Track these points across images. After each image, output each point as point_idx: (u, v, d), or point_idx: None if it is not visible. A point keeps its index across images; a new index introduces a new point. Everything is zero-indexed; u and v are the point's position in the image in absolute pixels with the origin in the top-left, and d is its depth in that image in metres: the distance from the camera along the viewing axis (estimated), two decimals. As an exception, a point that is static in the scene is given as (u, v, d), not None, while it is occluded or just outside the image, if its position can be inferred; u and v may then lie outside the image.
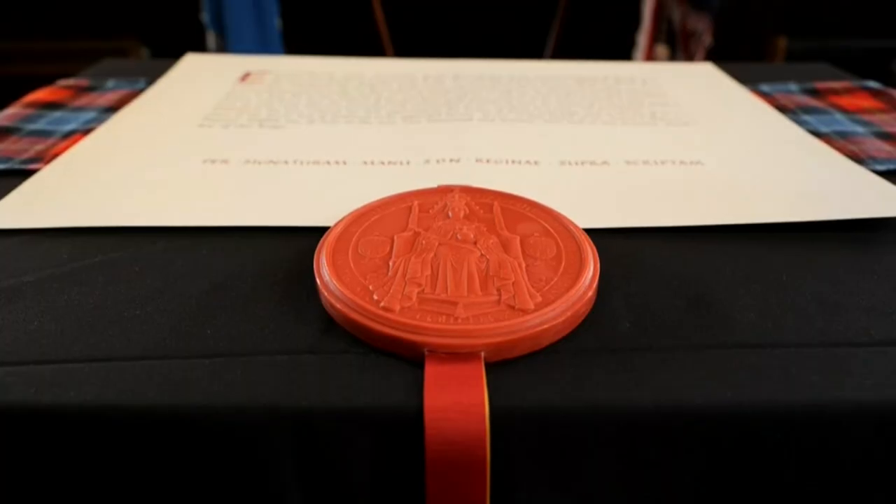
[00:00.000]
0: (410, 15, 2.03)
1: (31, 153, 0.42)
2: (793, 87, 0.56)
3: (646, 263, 0.29)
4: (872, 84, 0.57)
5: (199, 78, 0.56)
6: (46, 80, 0.57)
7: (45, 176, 0.37)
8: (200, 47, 1.62)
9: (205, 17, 1.50)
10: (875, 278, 0.28)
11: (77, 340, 0.24)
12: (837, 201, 0.34)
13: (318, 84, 0.54)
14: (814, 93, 0.55)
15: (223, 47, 1.50)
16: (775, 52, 2.34)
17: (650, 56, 1.61)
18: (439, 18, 2.12)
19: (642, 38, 1.62)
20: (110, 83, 0.56)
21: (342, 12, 2.03)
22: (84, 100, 0.52)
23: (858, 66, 2.33)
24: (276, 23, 1.51)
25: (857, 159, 0.41)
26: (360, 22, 1.85)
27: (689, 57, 1.60)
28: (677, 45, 1.64)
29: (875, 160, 0.41)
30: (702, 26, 1.59)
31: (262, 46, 1.46)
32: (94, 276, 0.28)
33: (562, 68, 0.59)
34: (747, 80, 0.57)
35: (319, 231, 0.29)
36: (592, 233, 0.29)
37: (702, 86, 0.55)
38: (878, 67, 2.35)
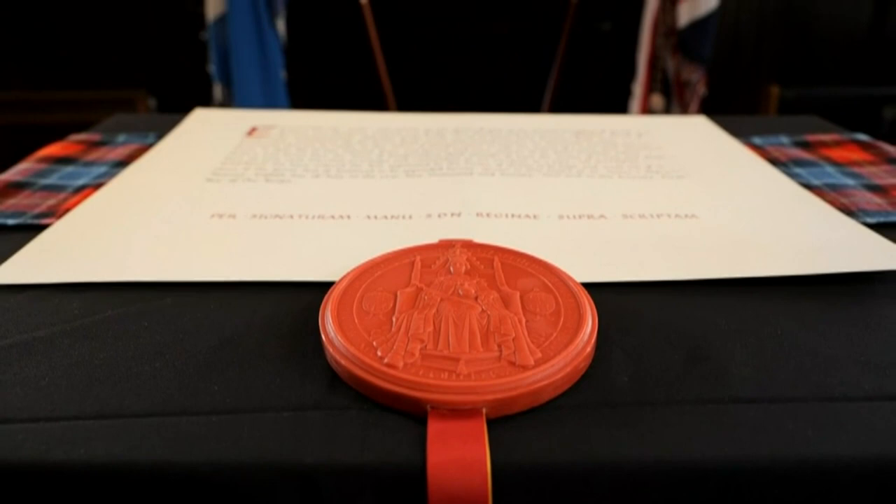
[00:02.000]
0: (412, 66, 2.09)
1: (43, 207, 0.43)
2: (784, 139, 0.58)
3: (643, 317, 0.30)
4: (861, 136, 0.58)
5: (207, 132, 0.58)
6: (58, 129, 0.58)
7: (56, 231, 0.38)
8: (207, 98, 1.66)
9: (212, 68, 1.55)
10: (868, 331, 0.29)
11: (87, 396, 0.24)
12: (830, 255, 0.35)
13: (323, 138, 0.55)
14: (805, 145, 0.56)
15: (229, 98, 1.53)
16: (769, 100, 2.39)
17: (646, 105, 1.65)
18: (440, 70, 2.18)
19: (638, 88, 1.66)
20: (121, 137, 0.57)
21: (346, 64, 2.09)
22: (95, 154, 0.54)
23: (850, 112, 2.37)
24: (282, 74, 1.56)
25: (849, 212, 0.42)
26: (363, 74, 1.89)
27: (685, 106, 1.64)
28: (672, 95, 1.68)
29: (866, 212, 0.42)
30: (696, 77, 1.64)
31: (267, 98, 1.49)
32: (104, 331, 0.29)
33: (559, 122, 0.61)
34: (740, 132, 0.59)
35: (324, 286, 0.30)
36: (591, 287, 0.30)
37: (696, 139, 0.57)
38: (869, 114, 2.41)
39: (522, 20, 2.15)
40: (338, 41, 2.05)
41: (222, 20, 1.50)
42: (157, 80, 2.32)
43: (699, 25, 1.61)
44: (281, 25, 1.54)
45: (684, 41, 1.62)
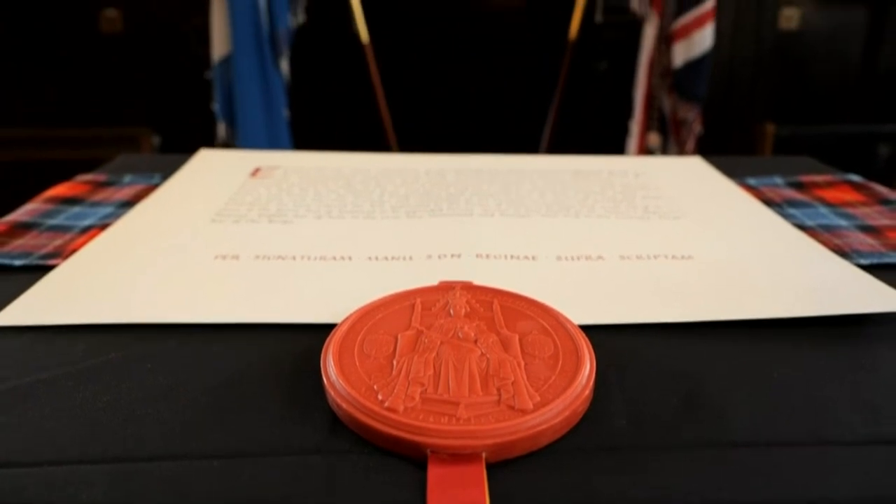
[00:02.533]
0: (413, 104, 2.12)
1: (49, 248, 0.43)
2: (778, 180, 0.59)
3: (640, 360, 0.30)
4: (853, 177, 0.59)
5: (211, 173, 0.59)
6: (63, 166, 0.59)
7: (61, 273, 0.39)
8: (210, 136, 1.68)
9: (216, 107, 1.57)
10: (862, 374, 0.29)
11: (91, 440, 0.25)
12: (825, 297, 0.35)
13: (326, 178, 0.57)
14: (799, 186, 0.57)
15: (233, 137, 1.56)
16: (764, 137, 2.42)
17: (643, 143, 1.67)
18: (441, 108, 2.21)
19: (635, 127, 1.69)
20: (127, 178, 0.58)
21: (348, 103, 2.13)
22: (102, 194, 0.55)
23: (846, 149, 2.40)
24: (285, 113, 1.58)
25: (842, 253, 0.42)
26: (365, 112, 1.93)
27: (681, 144, 1.66)
28: (669, 133, 1.70)
29: (860, 254, 0.42)
30: (691, 115, 1.66)
31: (270, 136, 1.52)
32: (108, 374, 0.29)
33: (557, 162, 0.62)
34: (734, 173, 0.60)
35: (326, 327, 0.31)
36: (588, 329, 0.31)
37: (692, 179, 0.58)
38: (865, 151, 2.44)
39: (521, 59, 2.19)
40: (340, 80, 2.09)
41: (227, 60, 1.54)
42: (162, 119, 2.36)
43: (694, 66, 1.64)
44: (284, 65, 1.57)
45: (680, 81, 1.66)
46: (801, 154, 0.71)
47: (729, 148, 2.45)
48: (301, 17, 1.60)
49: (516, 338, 0.29)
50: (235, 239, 0.43)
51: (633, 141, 1.69)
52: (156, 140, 2.27)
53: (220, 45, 1.53)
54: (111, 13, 2.36)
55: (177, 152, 0.67)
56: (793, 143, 2.36)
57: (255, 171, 0.59)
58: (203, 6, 1.71)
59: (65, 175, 0.60)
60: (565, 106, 1.91)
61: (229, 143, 1.59)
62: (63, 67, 2.38)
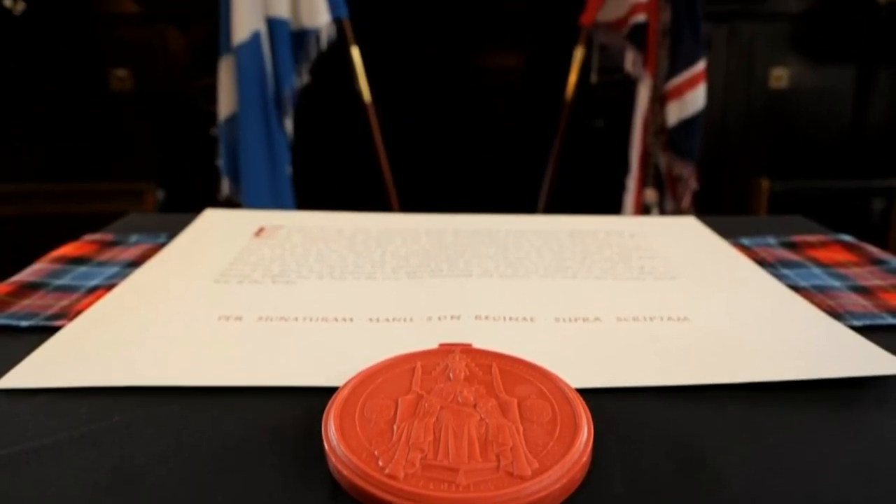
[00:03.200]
0: (414, 161, 2.17)
1: (55, 309, 0.44)
2: (771, 240, 0.60)
3: (638, 424, 0.31)
4: (846, 237, 0.61)
5: (216, 233, 0.60)
6: (69, 220, 0.61)
7: (66, 335, 0.39)
8: (214, 191, 1.71)
9: (220, 163, 1.61)
10: (856, 438, 0.30)
11: (93, 507, 0.25)
12: (820, 360, 0.36)
13: (328, 238, 0.58)
14: (791, 246, 0.58)
15: (236, 192, 1.59)
16: (759, 193, 2.46)
17: (640, 199, 1.70)
18: (441, 164, 2.26)
19: (632, 183, 1.72)
20: (133, 237, 0.60)
21: (350, 160, 2.17)
22: (108, 254, 0.56)
23: (841, 204, 2.44)
24: (288, 170, 1.61)
25: (836, 314, 0.43)
26: (366, 169, 1.96)
27: (678, 200, 1.69)
28: (665, 189, 1.74)
29: (853, 315, 0.43)
30: (687, 172, 1.70)
31: (273, 192, 1.55)
32: (111, 438, 0.29)
33: (554, 222, 0.64)
34: (728, 232, 0.61)
35: (328, 391, 0.31)
36: (586, 392, 0.31)
37: (686, 239, 0.59)
38: (859, 205, 2.47)
39: (520, 117, 2.25)
40: (342, 138, 2.14)
41: (233, 119, 1.58)
42: (167, 173, 2.40)
43: (687, 124, 1.68)
44: (289, 124, 1.62)
45: (674, 139, 1.70)
46: (796, 209, 0.72)
47: (725, 203, 2.48)
48: (306, 78, 1.65)
49: (515, 402, 0.29)
50: (239, 300, 0.44)
51: (629, 197, 1.72)
52: (160, 194, 2.30)
53: (226, 104, 1.58)
54: (121, 73, 2.44)
55: (181, 206, 0.68)
56: (788, 198, 2.40)
57: (259, 231, 0.60)
58: (211, 67, 1.77)
59: (71, 229, 0.61)
60: (563, 162, 1.95)
61: (233, 199, 1.62)
62: (73, 123, 2.44)
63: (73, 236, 0.63)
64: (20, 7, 2.18)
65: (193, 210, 0.67)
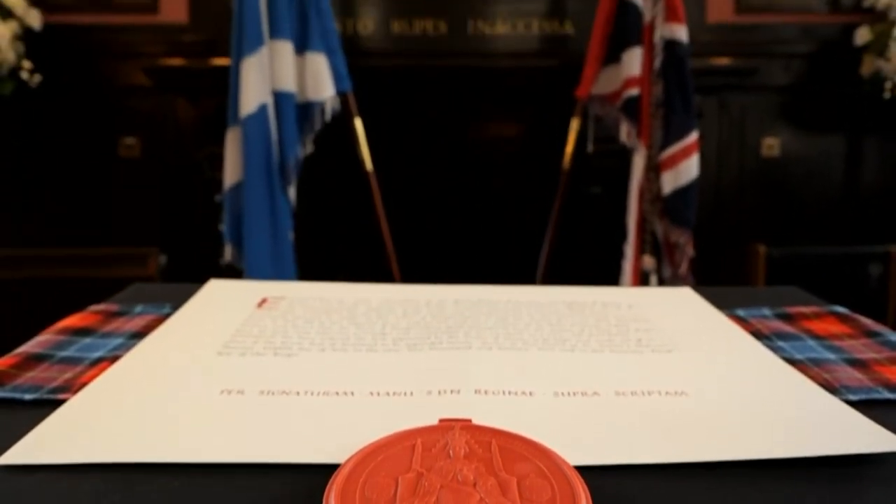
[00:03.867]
0: (414, 228, 2.20)
1: (59, 381, 0.45)
2: (767, 311, 0.61)
3: (636, 502, 0.31)
4: (839, 309, 0.62)
5: (219, 304, 0.61)
6: (72, 284, 0.62)
7: (68, 410, 0.39)
8: (216, 256, 1.73)
9: (224, 229, 1.63)
10: (857, 519, 0.30)
11: (92, 591, 0.25)
12: (817, 437, 0.36)
13: (330, 309, 0.59)
14: (786, 317, 0.59)
15: (239, 258, 1.60)
16: (757, 259, 2.48)
17: (637, 266, 1.72)
18: (442, 231, 2.29)
19: (629, 250, 1.74)
20: (138, 308, 0.61)
21: (351, 227, 2.21)
22: (113, 325, 0.56)
23: (838, 269, 2.44)
24: (290, 236, 1.64)
25: (832, 388, 0.43)
26: (367, 236, 1.99)
27: (675, 267, 1.71)
28: (663, 256, 1.76)
29: (848, 389, 0.44)
30: (683, 239, 1.72)
31: (275, 258, 1.56)
32: (112, 517, 0.30)
33: (553, 293, 0.65)
34: (724, 304, 0.62)
35: (329, 468, 0.31)
36: (585, 470, 0.31)
37: (683, 311, 0.60)
38: (856, 270, 2.48)
39: (519, 185, 2.30)
40: (344, 205, 2.18)
41: (237, 187, 1.61)
42: (171, 238, 2.43)
43: (682, 193, 1.72)
44: (291, 192, 1.65)
45: (669, 207, 1.73)
46: (793, 274, 0.74)
47: (722, 268, 2.50)
48: (310, 148, 1.70)
49: (514, 481, 0.29)
50: (241, 373, 0.45)
51: (628, 264, 1.74)
52: (162, 259, 2.32)
53: (232, 173, 1.62)
54: (130, 140, 2.51)
55: (183, 271, 0.69)
56: (785, 264, 2.42)
57: (262, 302, 0.61)
58: (218, 136, 1.82)
59: (74, 294, 0.62)
60: (562, 228, 1.98)
61: (235, 265, 1.63)
62: (80, 189, 2.49)
63: (75, 301, 0.64)
64: (36, 78, 2.26)
65: (195, 275, 0.68)
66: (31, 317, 0.55)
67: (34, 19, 2.26)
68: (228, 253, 1.64)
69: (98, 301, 0.63)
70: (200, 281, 0.68)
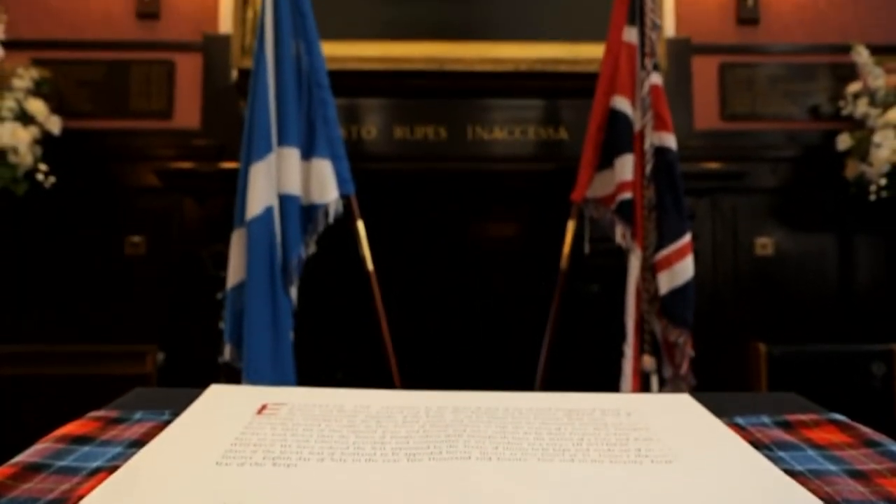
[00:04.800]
0: (413, 326, 2.20)
1: (56, 493, 0.44)
2: (766, 419, 0.61)
3: None
4: (839, 417, 0.62)
5: (220, 411, 0.61)
6: (72, 381, 0.61)
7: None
8: (214, 354, 1.73)
9: (225, 329, 1.64)
10: None
11: None
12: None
13: (329, 417, 0.59)
14: (786, 426, 0.59)
15: (237, 358, 1.60)
16: (758, 357, 2.47)
17: (637, 366, 1.71)
18: (440, 329, 2.29)
19: (629, 350, 1.74)
20: (137, 415, 0.61)
21: (351, 327, 2.21)
22: (112, 432, 0.56)
23: (840, 368, 2.41)
24: (290, 336, 1.64)
25: (833, 502, 0.43)
26: (367, 334, 1.99)
27: (676, 367, 1.70)
28: (663, 356, 1.75)
29: (850, 503, 0.43)
30: (682, 339, 1.72)
31: (275, 358, 1.56)
32: None
33: (552, 400, 0.65)
34: (723, 411, 0.62)
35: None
36: None
37: (682, 420, 0.60)
38: (858, 369, 2.46)
39: (517, 284, 2.33)
40: (345, 305, 2.19)
41: (241, 286, 1.63)
42: (170, 334, 2.43)
43: (679, 293, 1.74)
44: (293, 292, 1.67)
45: (667, 307, 1.74)
46: (795, 373, 0.74)
47: (723, 368, 2.48)
48: (312, 248, 1.74)
49: None
50: (239, 485, 0.45)
51: (628, 364, 1.73)
52: (160, 357, 2.31)
53: (235, 272, 1.65)
54: (136, 238, 2.56)
55: (181, 369, 0.69)
56: (786, 363, 2.40)
57: (262, 409, 0.61)
58: (223, 234, 1.86)
59: (72, 391, 0.62)
60: (561, 327, 1.98)
61: (233, 364, 1.63)
62: (84, 286, 2.51)
63: (73, 400, 0.64)
64: (51, 180, 2.34)
65: (193, 374, 0.68)
66: (29, 415, 0.55)
67: (54, 125, 2.38)
68: (227, 352, 1.64)
69: (94, 400, 0.63)
70: (198, 380, 0.68)
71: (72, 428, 0.57)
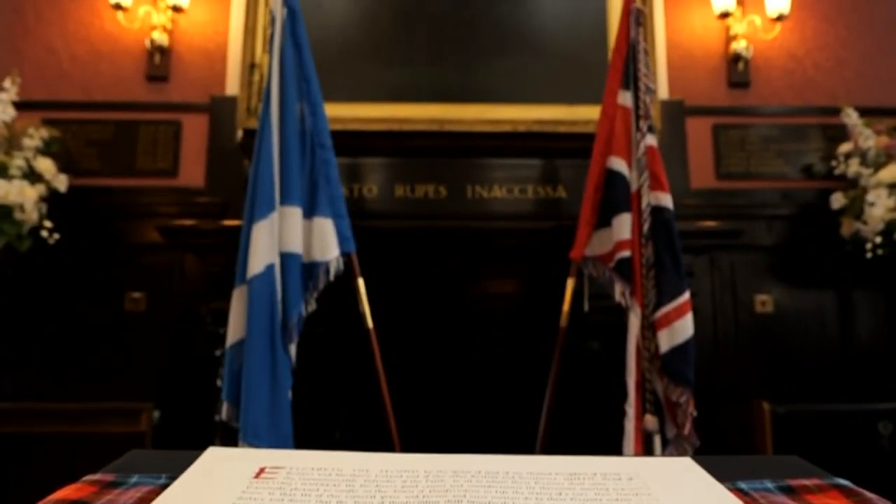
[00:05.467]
0: (413, 385, 2.18)
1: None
2: (769, 484, 0.60)
3: None
4: (843, 482, 0.61)
5: (217, 474, 0.60)
6: (66, 439, 0.61)
7: None
8: (210, 412, 1.70)
9: (223, 389, 1.62)
10: None
11: None
12: None
13: (328, 481, 0.58)
14: (789, 491, 0.59)
15: (234, 416, 1.58)
16: (762, 415, 2.44)
17: (640, 425, 1.68)
18: (440, 387, 2.27)
19: (631, 410, 1.72)
20: (133, 478, 0.60)
21: (350, 385, 2.19)
22: (107, 497, 0.56)
23: (846, 427, 2.38)
24: (289, 395, 1.63)
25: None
26: (366, 392, 1.97)
27: (678, 426, 1.67)
28: (665, 415, 1.73)
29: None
30: (684, 398, 1.71)
31: (272, 417, 1.54)
32: None
33: (553, 463, 0.64)
34: (725, 475, 0.62)
35: None
36: None
37: (684, 485, 0.59)
38: (864, 428, 2.42)
39: (517, 342, 2.32)
40: (344, 363, 2.18)
41: (240, 344, 1.63)
42: (167, 391, 2.40)
43: (680, 351, 1.73)
44: (293, 350, 1.66)
45: (668, 365, 1.73)
46: (799, 432, 0.73)
47: (727, 426, 2.44)
48: (313, 306, 1.74)
49: None
50: (236, 554, 0.44)
51: (630, 424, 1.71)
52: (156, 415, 2.28)
53: (235, 330, 1.64)
54: (137, 295, 2.56)
55: (177, 428, 0.69)
56: (791, 422, 2.37)
57: (260, 472, 0.61)
58: (223, 290, 1.87)
59: (66, 450, 0.62)
60: (561, 386, 1.96)
61: (229, 423, 1.60)
62: (82, 342, 2.50)
63: (66, 459, 0.63)
64: (55, 237, 2.37)
65: (189, 433, 0.68)
66: (21, 475, 0.55)
67: (61, 183, 2.42)
68: (224, 411, 1.62)
69: (88, 460, 0.62)
70: (194, 439, 0.67)
71: (67, 492, 0.57)
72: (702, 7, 2.81)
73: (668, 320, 1.75)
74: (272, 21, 1.87)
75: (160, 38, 2.64)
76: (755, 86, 2.79)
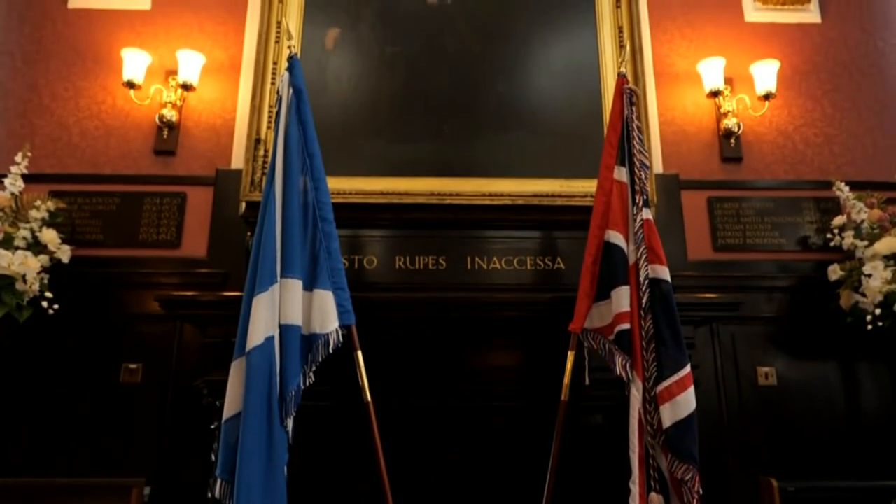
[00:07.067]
0: (410, 459, 2.13)
1: None
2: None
3: None
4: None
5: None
6: None
7: None
8: (203, 488, 1.65)
9: (217, 465, 1.58)
10: None
11: None
12: None
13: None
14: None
15: (227, 493, 1.54)
16: (771, 493, 2.37)
17: (645, 504, 1.64)
18: (438, 463, 2.21)
19: (635, 488, 1.67)
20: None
21: (347, 459, 2.14)
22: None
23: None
24: (284, 471, 1.59)
25: None
26: (363, 467, 1.93)
27: (685, 505, 1.62)
28: (671, 494, 1.68)
29: None
30: (690, 475, 1.66)
31: (267, 495, 1.50)
32: None
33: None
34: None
35: None
36: None
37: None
38: (877, 506, 2.35)
39: (518, 415, 2.27)
40: (340, 436, 2.13)
41: (236, 417, 1.60)
42: (159, 466, 2.34)
43: (683, 426, 1.70)
44: (290, 424, 1.64)
45: (672, 441, 1.70)
46: None
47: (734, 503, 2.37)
48: (311, 379, 1.72)
49: None
50: None
51: (635, 502, 1.66)
52: (146, 492, 2.21)
53: (231, 404, 1.62)
54: (133, 366, 2.53)
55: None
56: (800, 500, 2.30)
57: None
58: (221, 362, 1.85)
59: None
60: (564, 462, 1.92)
61: (222, 502, 1.56)
62: (75, 415, 2.45)
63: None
64: (54, 308, 2.36)
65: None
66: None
67: (64, 254, 2.44)
68: (217, 489, 1.57)
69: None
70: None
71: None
72: (692, 86, 2.92)
73: (671, 394, 1.73)
74: (278, 100, 1.94)
75: (169, 114, 2.73)
76: (748, 160, 2.86)
